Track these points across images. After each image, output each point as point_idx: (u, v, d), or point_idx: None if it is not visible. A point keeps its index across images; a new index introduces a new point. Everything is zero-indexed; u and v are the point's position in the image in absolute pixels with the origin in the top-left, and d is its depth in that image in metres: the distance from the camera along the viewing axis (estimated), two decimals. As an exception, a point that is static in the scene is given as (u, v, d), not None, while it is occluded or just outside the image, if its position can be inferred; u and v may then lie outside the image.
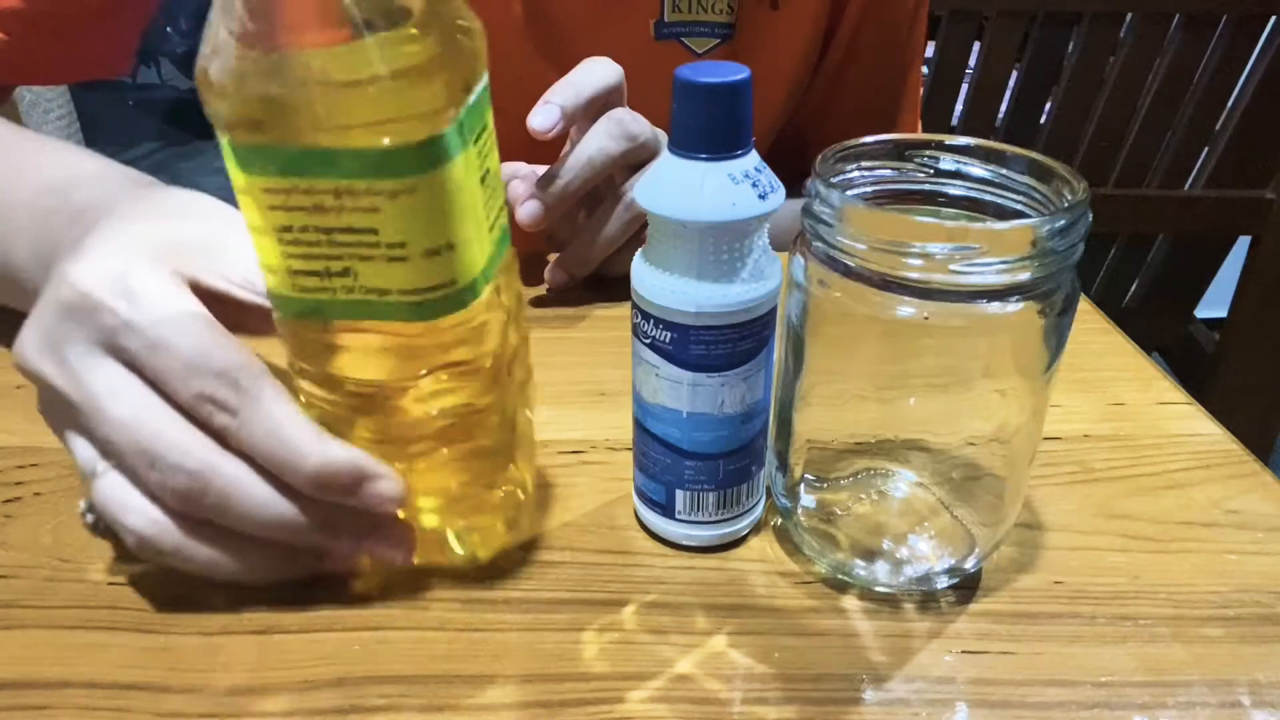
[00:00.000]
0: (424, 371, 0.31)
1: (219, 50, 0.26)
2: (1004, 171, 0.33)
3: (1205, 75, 1.19)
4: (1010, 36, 1.19)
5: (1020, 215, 0.32)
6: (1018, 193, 0.33)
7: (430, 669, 0.33)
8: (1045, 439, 0.44)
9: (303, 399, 0.32)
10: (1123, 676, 0.32)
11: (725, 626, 0.34)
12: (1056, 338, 0.32)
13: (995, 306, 0.30)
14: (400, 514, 0.34)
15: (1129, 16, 1.16)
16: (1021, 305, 0.30)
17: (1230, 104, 1.22)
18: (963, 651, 0.33)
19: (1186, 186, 1.28)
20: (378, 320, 0.29)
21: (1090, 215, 0.30)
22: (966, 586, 0.36)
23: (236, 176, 0.28)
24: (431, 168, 0.27)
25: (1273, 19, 1.16)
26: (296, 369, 0.32)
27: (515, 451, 0.36)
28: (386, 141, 0.26)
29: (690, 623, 0.34)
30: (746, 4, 0.63)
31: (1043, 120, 1.27)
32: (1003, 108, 1.25)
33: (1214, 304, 1.40)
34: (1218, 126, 1.24)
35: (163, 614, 0.35)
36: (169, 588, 0.36)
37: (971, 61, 1.23)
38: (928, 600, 0.35)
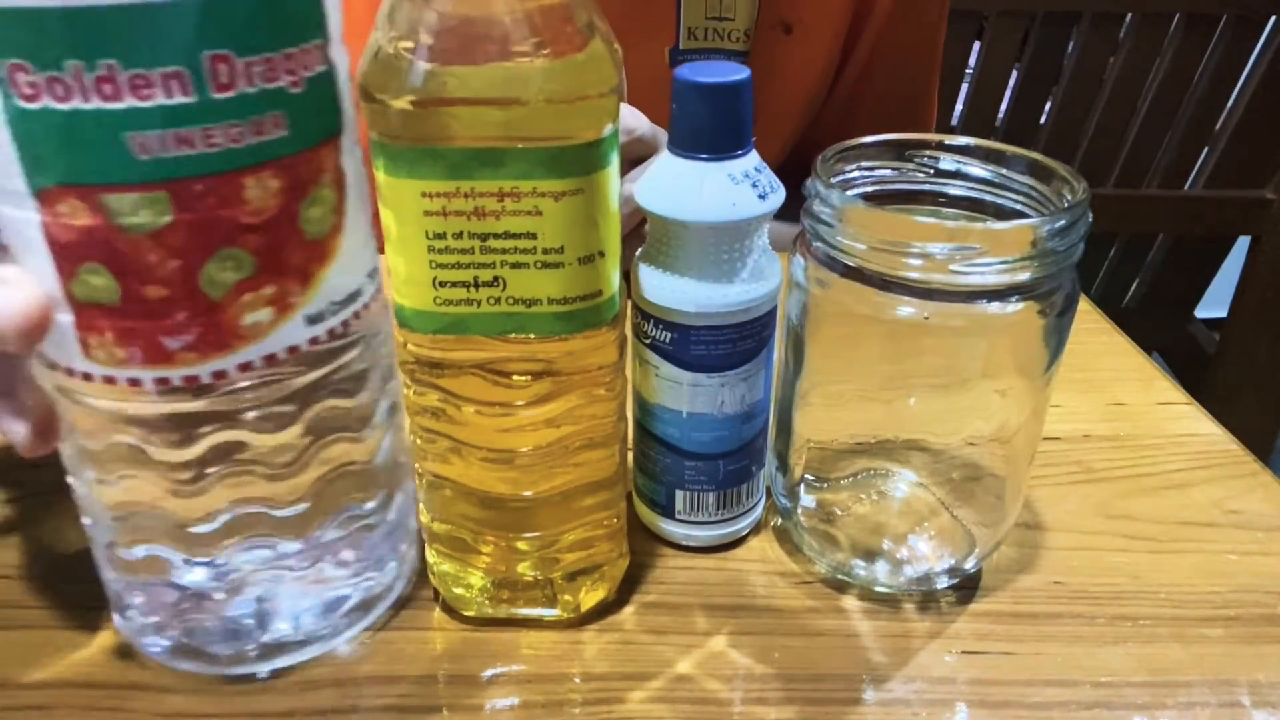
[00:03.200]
0: (553, 391, 0.30)
1: (387, 58, 0.26)
2: (1004, 171, 0.33)
3: (1205, 75, 1.19)
4: (1010, 36, 1.19)
5: (1020, 215, 0.32)
6: (1018, 193, 0.33)
7: (431, 669, 0.33)
8: (1045, 439, 0.44)
9: (417, 428, 0.32)
10: (1123, 676, 0.32)
11: (725, 626, 0.34)
12: (1056, 338, 0.32)
13: (995, 306, 0.30)
14: (503, 567, 0.33)
15: (1129, 16, 1.17)
16: (1021, 305, 0.30)
17: (1230, 104, 1.22)
18: (963, 652, 0.33)
19: (1186, 186, 1.28)
20: (520, 334, 0.29)
21: (1090, 215, 0.30)
22: (966, 586, 0.36)
23: (389, 183, 0.27)
24: (596, 169, 0.27)
25: (1273, 19, 1.16)
26: (417, 392, 0.31)
27: (621, 486, 0.34)
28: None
29: (690, 623, 0.34)
30: (761, 31, 0.64)
31: (1043, 120, 1.26)
32: (1003, 108, 1.25)
33: (1214, 304, 1.40)
34: (1218, 126, 1.24)
35: (163, 614, 0.35)
36: (169, 588, 0.36)
37: (971, 61, 1.23)
38: (928, 600, 0.35)
